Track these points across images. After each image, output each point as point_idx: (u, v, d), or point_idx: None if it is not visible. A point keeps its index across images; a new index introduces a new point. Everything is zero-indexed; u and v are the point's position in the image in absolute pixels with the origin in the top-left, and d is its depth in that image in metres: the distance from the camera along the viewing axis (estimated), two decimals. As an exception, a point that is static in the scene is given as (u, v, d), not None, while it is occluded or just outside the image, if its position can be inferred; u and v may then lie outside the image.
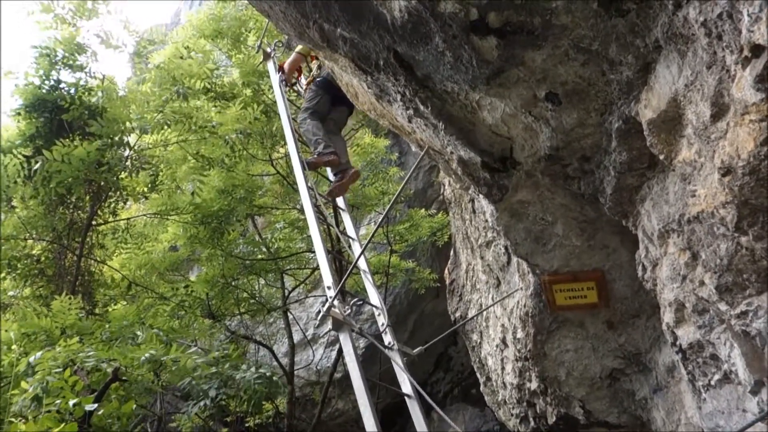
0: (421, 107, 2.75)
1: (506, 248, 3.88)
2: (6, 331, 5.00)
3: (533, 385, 3.89)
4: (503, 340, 4.22)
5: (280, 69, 6.27)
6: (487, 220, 3.89)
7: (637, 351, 3.28)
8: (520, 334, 3.74)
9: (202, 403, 4.89)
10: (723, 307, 1.94)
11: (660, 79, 1.94)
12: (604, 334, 3.35)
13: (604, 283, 3.10)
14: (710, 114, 1.73)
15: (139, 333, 5.04)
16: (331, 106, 5.52)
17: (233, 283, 8.56)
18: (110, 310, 6.90)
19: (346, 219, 5.01)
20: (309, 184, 4.57)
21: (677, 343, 2.40)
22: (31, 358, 3.99)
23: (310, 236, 9.18)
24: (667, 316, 2.40)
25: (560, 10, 1.94)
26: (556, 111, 2.34)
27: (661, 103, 1.95)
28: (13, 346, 4.48)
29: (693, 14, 1.64)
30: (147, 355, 4.03)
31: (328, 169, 5.36)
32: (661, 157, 2.08)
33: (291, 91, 6.91)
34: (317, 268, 9.89)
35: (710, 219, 1.87)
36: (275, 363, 9.54)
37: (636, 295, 3.08)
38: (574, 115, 2.32)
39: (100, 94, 7.17)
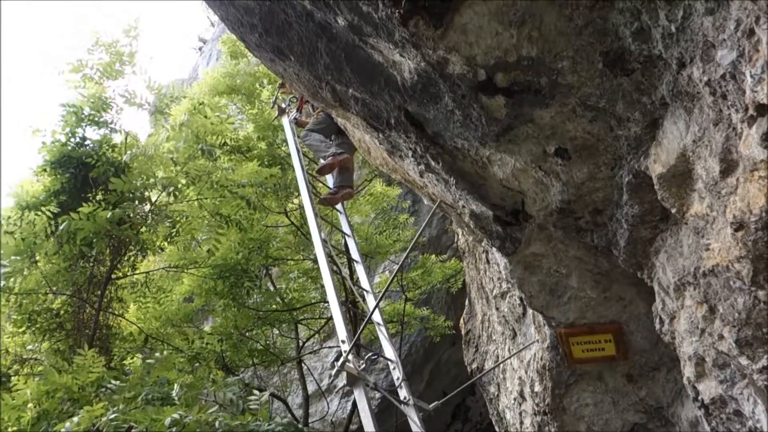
0: (433, 163, 2.79)
1: (521, 300, 3.85)
2: (16, 391, 4.99)
3: (553, 440, 3.80)
4: (521, 393, 4.14)
5: (301, 102, 6.49)
6: (501, 272, 3.88)
7: (659, 405, 3.20)
8: (537, 388, 3.68)
9: None
10: (744, 361, 1.91)
11: (668, 134, 1.97)
12: (624, 387, 3.28)
13: (622, 335, 3.05)
14: (719, 170, 1.74)
15: (149, 394, 4.97)
16: (336, 134, 5.73)
17: (247, 334, 8.53)
18: (127, 363, 6.88)
19: (360, 270, 5.02)
20: (323, 236, 4.61)
21: (699, 398, 2.34)
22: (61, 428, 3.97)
23: (323, 286, 9.21)
24: (688, 370, 2.36)
25: (566, 70, 1.99)
26: (566, 166, 2.36)
27: (670, 159, 1.97)
28: (29, 404, 4.46)
29: (697, 74, 1.68)
30: (171, 418, 3.97)
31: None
32: (673, 210, 2.09)
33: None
34: (331, 318, 9.86)
35: (726, 273, 1.86)
36: (289, 416, 9.39)
37: (655, 348, 3.03)
38: (585, 170, 2.34)
39: (126, 152, 7.34)
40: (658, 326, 2.56)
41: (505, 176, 2.59)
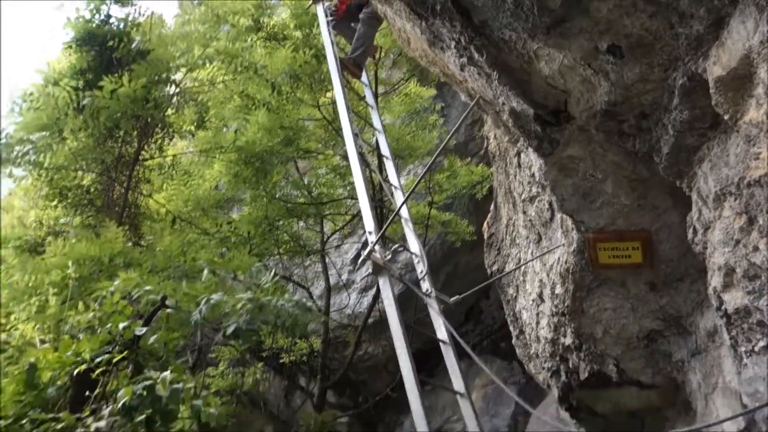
0: (476, 55, 2.69)
1: (550, 204, 3.84)
2: (50, 258, 5.23)
3: (568, 340, 3.91)
4: (540, 295, 4.23)
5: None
6: (533, 175, 3.84)
7: (678, 314, 3.25)
8: (558, 290, 3.74)
9: (234, 326, 4.96)
10: (776, 274, 1.91)
11: (733, 34, 1.85)
12: (646, 295, 3.33)
13: (651, 243, 3.05)
14: (785, 73, 1.65)
15: (180, 265, 5.15)
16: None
17: (276, 224, 8.72)
18: (156, 241, 7.13)
19: (390, 167, 5.00)
20: (354, 130, 4.56)
21: (723, 307, 2.37)
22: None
23: (350, 183, 9.27)
24: (715, 280, 2.37)
25: (633, -44, 1.86)
26: (617, 64, 2.26)
27: (731, 61, 1.87)
28: (69, 270, 4.69)
29: (778, -35, 1.56)
30: (213, 298, 4.13)
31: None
32: (726, 116, 2.01)
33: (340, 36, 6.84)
34: (356, 215, 10.00)
35: (773, 183, 1.82)
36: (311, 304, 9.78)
37: (682, 258, 3.03)
38: (636, 70, 2.25)
39: (146, 32, 7.20)
40: (690, 236, 2.55)
41: (551, 73, 2.50)
